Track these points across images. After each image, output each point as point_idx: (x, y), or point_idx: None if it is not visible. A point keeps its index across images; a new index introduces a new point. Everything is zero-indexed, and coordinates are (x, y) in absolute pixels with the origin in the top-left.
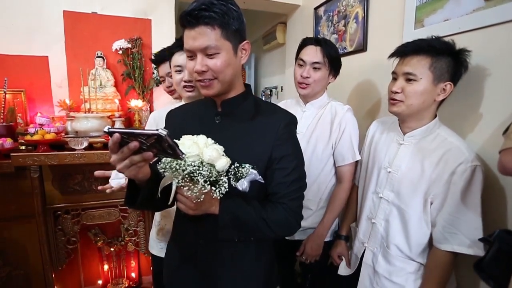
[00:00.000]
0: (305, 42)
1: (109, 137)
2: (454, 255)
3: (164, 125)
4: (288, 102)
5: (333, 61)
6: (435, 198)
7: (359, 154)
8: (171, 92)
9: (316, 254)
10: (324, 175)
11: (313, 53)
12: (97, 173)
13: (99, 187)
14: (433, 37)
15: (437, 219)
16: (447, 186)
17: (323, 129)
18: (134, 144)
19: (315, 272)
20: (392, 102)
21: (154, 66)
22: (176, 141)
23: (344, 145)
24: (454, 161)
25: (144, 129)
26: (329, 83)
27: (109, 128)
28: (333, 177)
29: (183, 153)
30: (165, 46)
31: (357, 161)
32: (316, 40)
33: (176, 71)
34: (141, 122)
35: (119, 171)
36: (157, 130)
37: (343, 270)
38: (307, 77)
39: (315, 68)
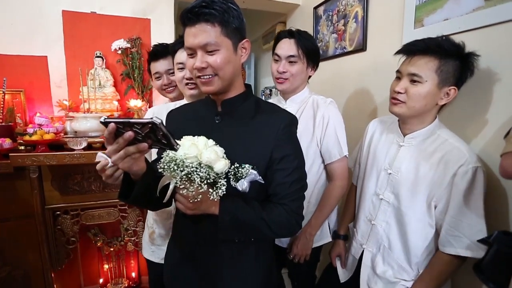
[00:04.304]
0: (279, 36)
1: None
2: (459, 258)
3: None
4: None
5: (309, 53)
6: (438, 201)
7: (356, 152)
8: (168, 90)
9: (304, 254)
10: (311, 176)
11: (287, 47)
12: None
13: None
14: (443, 37)
15: (442, 222)
16: (449, 188)
17: (306, 124)
18: (129, 134)
19: (302, 279)
20: (394, 102)
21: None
22: (177, 141)
23: (330, 141)
24: (455, 163)
25: (139, 118)
26: (310, 76)
27: (105, 118)
28: (322, 178)
29: (177, 144)
30: (164, 42)
31: (346, 156)
32: (290, 33)
33: (178, 68)
34: None
35: (114, 162)
36: (151, 118)
37: (343, 275)
38: (284, 71)
39: (290, 62)
